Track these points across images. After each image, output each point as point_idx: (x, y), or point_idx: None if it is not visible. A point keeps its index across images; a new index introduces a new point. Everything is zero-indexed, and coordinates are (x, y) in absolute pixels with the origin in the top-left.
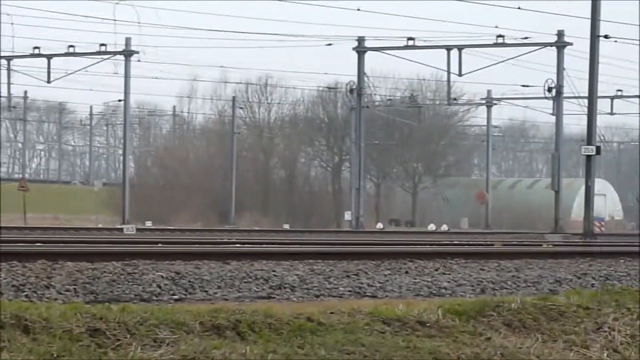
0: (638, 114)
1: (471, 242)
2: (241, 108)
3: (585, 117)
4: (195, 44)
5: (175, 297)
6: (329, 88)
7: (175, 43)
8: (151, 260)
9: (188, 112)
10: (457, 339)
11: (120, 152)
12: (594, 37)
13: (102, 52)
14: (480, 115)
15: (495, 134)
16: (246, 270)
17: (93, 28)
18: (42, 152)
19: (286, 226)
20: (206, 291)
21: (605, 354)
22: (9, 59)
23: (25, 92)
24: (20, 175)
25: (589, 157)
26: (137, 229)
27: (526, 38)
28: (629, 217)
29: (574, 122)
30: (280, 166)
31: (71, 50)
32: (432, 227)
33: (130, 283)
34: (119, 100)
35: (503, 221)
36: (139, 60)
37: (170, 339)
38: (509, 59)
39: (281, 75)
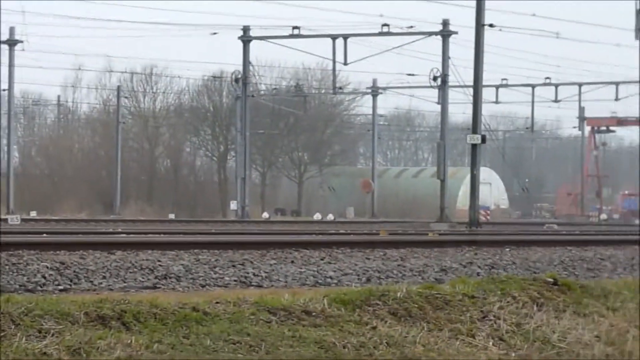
0: (531, 102)
1: (357, 232)
2: (126, 97)
3: (470, 106)
4: (80, 33)
5: (60, 287)
6: (215, 77)
7: (60, 32)
8: (36, 250)
9: (73, 102)
10: (342, 328)
11: (4, 142)
12: (479, 25)
13: None
14: (365, 104)
15: (381, 123)
16: (131, 260)
17: None
18: None
19: (172, 216)
20: (91, 281)
21: (490, 343)
22: None
23: None
24: None
25: (474, 145)
26: (22, 219)
27: (411, 27)
28: (514, 205)
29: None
30: (165, 156)
31: None
32: (318, 216)
33: (15, 273)
34: (3, 90)
35: (389, 210)
36: (23, 50)
37: (55, 329)
38: (394, 48)
39: (166, 65)
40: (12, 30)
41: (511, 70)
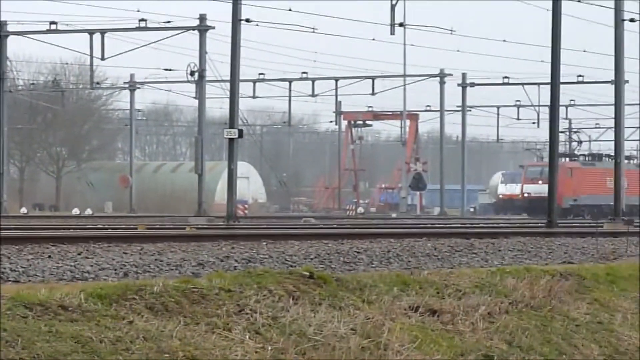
0: (288, 97)
1: (115, 226)
2: None
3: (227, 101)
4: None
5: None
6: None
7: None
8: None
9: None
10: (99, 323)
11: None
12: (236, 20)
13: None
14: (124, 99)
15: (139, 118)
16: None
17: None
18: None
19: None
20: None
21: (247, 336)
22: None
23: None
24: None
25: (231, 140)
26: None
27: (168, 22)
28: (272, 199)
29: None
30: None
31: None
32: (76, 211)
33: None
34: None
35: (148, 205)
36: None
37: None
38: (151, 43)
39: None
40: None
41: (268, 65)
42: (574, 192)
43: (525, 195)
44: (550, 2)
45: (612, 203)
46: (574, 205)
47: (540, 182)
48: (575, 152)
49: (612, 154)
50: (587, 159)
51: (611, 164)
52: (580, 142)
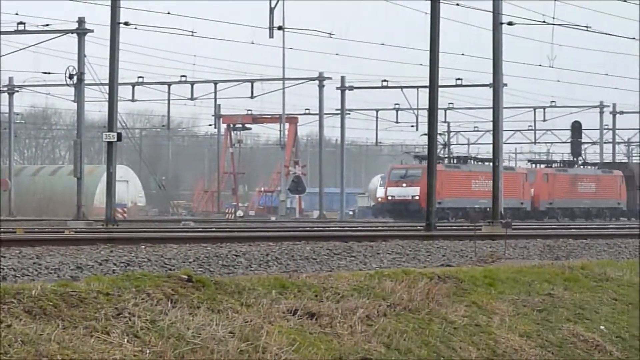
0: (167, 100)
1: None
2: None
3: (106, 104)
4: None
5: None
6: None
7: None
8: None
9: None
10: None
11: None
12: (114, 24)
13: None
14: (2, 102)
15: (18, 122)
16: None
17: None
18: None
19: None
20: None
21: (125, 340)
22: None
23: None
24: None
25: (110, 143)
26: None
27: (47, 25)
28: (151, 203)
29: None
30: None
31: None
32: None
33: None
34: None
35: (27, 209)
36: None
37: None
38: (30, 46)
39: None
40: None
41: (147, 68)
42: (437, 194)
43: (389, 198)
44: (429, 4)
45: (477, 207)
46: (438, 208)
47: (404, 184)
48: (440, 155)
49: (489, 157)
50: (452, 161)
51: (477, 166)
52: (445, 145)
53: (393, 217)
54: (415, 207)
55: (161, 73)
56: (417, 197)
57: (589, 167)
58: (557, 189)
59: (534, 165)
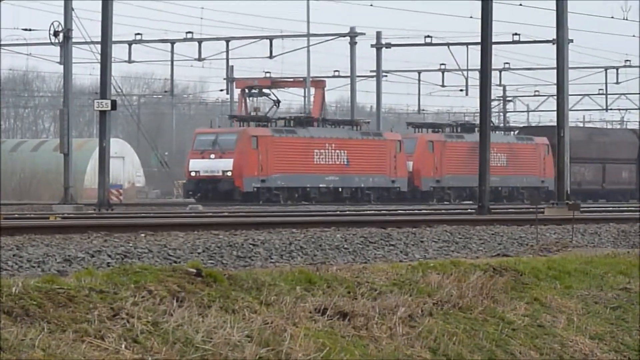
0: (170, 61)
1: None
2: None
3: (98, 66)
4: None
5: None
6: None
7: None
8: None
9: None
10: None
11: None
12: None
13: None
14: None
15: None
16: None
17: None
18: None
19: None
20: None
21: (123, 345)
22: None
23: None
24: None
25: (103, 112)
26: None
27: None
28: (151, 183)
29: (87, 72)
30: None
31: None
32: None
33: None
34: None
35: (5, 190)
36: None
37: None
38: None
39: None
40: None
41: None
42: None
43: (192, 174)
44: None
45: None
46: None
47: (212, 156)
48: (493, 124)
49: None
50: (453, 130)
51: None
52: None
53: (197, 200)
54: (227, 187)
55: (163, 29)
56: (229, 173)
57: (510, 133)
58: (447, 162)
59: (416, 130)
